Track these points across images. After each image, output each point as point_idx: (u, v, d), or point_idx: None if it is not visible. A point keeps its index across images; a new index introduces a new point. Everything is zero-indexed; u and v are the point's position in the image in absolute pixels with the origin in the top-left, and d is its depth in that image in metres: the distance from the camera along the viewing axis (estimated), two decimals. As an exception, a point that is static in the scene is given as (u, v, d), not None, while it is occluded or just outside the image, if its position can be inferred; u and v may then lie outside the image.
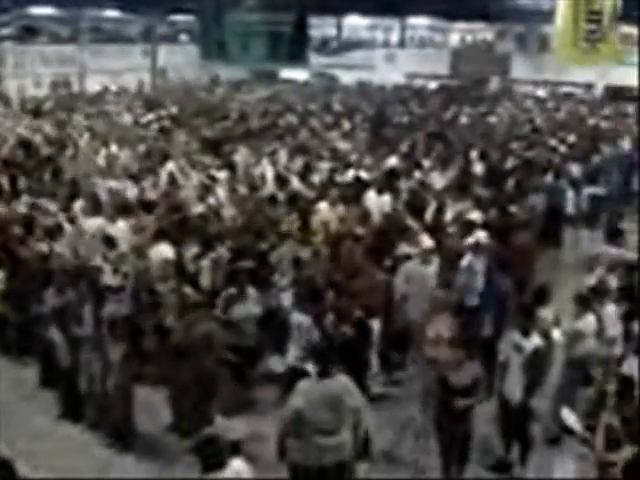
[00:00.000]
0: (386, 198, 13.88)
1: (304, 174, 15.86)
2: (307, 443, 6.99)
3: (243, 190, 14.56)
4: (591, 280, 10.35)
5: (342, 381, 7.14)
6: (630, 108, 33.47)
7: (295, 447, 7.06)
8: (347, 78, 43.69)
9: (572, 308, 9.40)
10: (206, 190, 14.27)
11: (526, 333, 8.34)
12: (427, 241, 10.99)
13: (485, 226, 12.30)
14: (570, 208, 16.35)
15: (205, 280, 10.54)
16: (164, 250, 11.09)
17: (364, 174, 15.88)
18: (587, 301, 9.29)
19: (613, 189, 18.10)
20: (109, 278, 10.44)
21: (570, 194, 16.38)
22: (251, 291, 9.79)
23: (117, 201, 13.71)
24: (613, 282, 10.31)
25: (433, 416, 8.21)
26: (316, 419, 6.93)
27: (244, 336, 9.43)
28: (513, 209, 13.60)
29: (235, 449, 7.32)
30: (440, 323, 8.96)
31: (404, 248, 11.11)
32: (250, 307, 9.66)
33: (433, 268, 10.76)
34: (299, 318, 9.24)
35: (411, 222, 12.22)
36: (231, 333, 9.23)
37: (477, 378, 7.92)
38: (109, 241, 11.28)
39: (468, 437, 8.03)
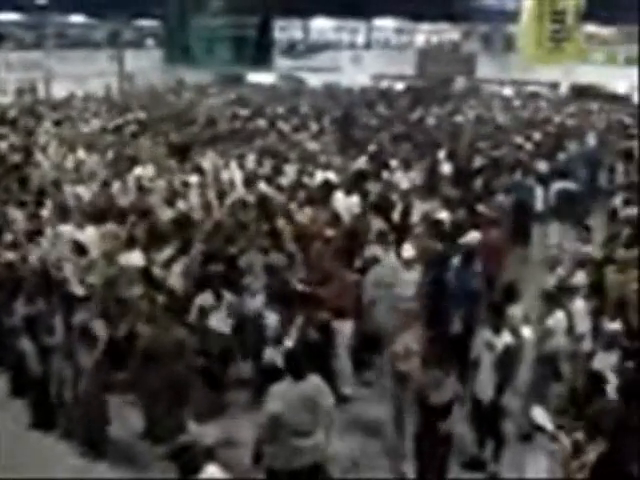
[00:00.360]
0: (354, 200, 13.92)
1: (272, 177, 15.86)
2: (284, 446, 6.99)
3: (212, 194, 14.52)
4: (557, 277, 10.45)
5: (315, 382, 7.17)
6: (595, 106, 33.77)
7: (272, 451, 7.05)
8: (314, 80, 43.74)
9: (541, 305, 9.51)
10: (175, 195, 14.23)
11: (497, 331, 8.41)
12: (408, 250, 10.84)
13: (453, 226, 12.38)
14: (539, 205, 16.48)
15: (176, 285, 10.50)
16: (134, 257, 11.05)
17: (332, 176, 15.91)
18: (555, 298, 9.38)
19: (580, 185, 18.26)
20: (77, 287, 10.37)
21: (539, 191, 16.50)
22: (227, 296, 9.78)
23: (86, 208, 13.61)
24: (581, 278, 10.40)
25: (413, 438, 8.11)
26: (294, 422, 6.94)
27: (217, 341, 9.41)
28: (481, 208, 13.67)
29: (209, 455, 7.32)
30: (409, 336, 8.58)
31: (373, 250, 11.13)
32: (225, 313, 9.65)
33: (414, 275, 10.62)
34: (273, 319, 9.27)
35: (378, 223, 12.26)
36: (204, 339, 9.21)
37: (457, 394, 7.89)
38: (78, 248, 11.20)
39: (448, 454, 7.98)
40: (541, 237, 15.65)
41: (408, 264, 10.55)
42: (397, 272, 10.52)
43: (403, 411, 8.51)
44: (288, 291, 9.92)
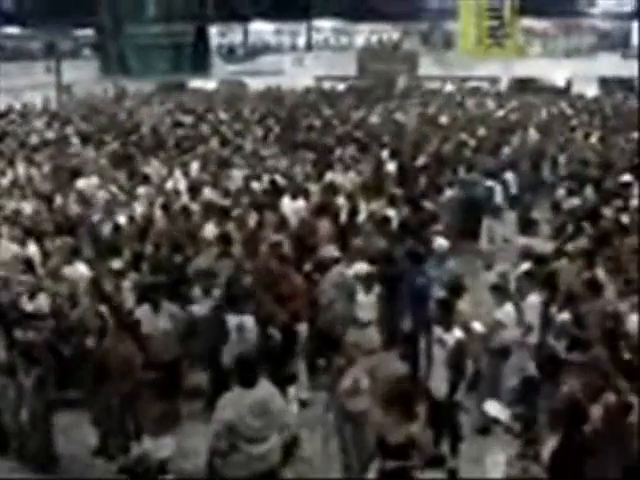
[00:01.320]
0: (301, 203, 13.88)
1: (217, 183, 15.76)
2: (237, 454, 6.92)
3: (157, 204, 14.36)
4: (497, 272, 10.53)
5: (266, 387, 7.13)
6: (535, 99, 34.20)
7: (226, 459, 6.96)
8: (256, 84, 43.58)
9: (490, 298, 9.56)
10: (119, 206, 14.06)
11: (447, 327, 8.43)
12: (362, 268, 10.42)
13: (400, 224, 12.43)
14: (498, 199, 16.70)
15: (126, 298, 10.33)
16: (80, 270, 10.87)
17: (279, 179, 15.87)
18: (504, 291, 9.44)
19: (524, 179, 18.45)
20: (27, 304, 10.17)
21: (497, 187, 16.70)
22: (165, 306, 9.64)
23: (26, 223, 13.35)
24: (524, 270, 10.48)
25: None
26: (246, 428, 6.87)
27: (163, 352, 9.27)
28: (426, 205, 13.74)
29: (163, 467, 7.24)
30: (358, 371, 7.84)
31: (331, 251, 11.08)
32: (164, 322, 9.50)
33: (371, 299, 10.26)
34: (235, 320, 9.23)
35: (324, 225, 12.24)
36: (150, 350, 9.07)
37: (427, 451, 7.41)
38: (24, 265, 10.97)
39: None
40: (490, 231, 15.80)
41: (363, 282, 10.19)
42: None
43: (349, 452, 8.07)
44: (239, 296, 9.83)
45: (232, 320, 9.30)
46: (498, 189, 16.66)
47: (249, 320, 9.22)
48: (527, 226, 12.86)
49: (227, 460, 6.95)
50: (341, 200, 13.97)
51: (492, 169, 17.80)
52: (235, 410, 6.90)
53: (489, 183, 16.70)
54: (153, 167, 18.11)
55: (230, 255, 11.06)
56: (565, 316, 9.06)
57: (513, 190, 17.46)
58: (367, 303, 10.09)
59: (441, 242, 11.06)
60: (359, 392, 7.68)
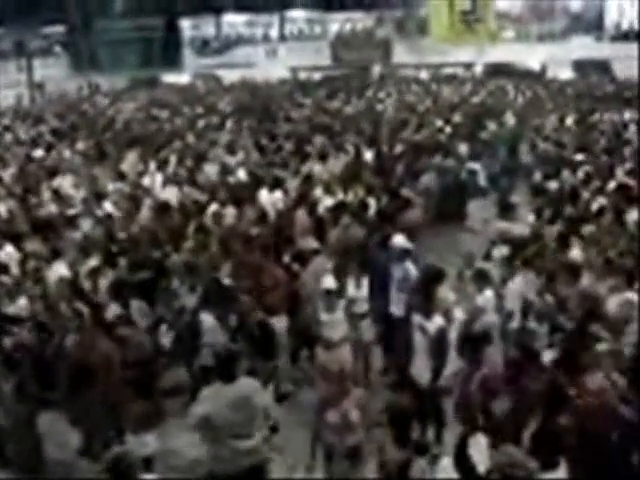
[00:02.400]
0: (278, 195, 13.83)
1: (194, 177, 15.68)
2: (222, 449, 6.90)
3: (134, 200, 14.28)
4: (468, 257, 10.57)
5: (249, 383, 7.14)
6: (510, 84, 34.27)
7: (210, 454, 6.93)
8: (230, 77, 43.41)
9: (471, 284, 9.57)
10: (97, 203, 13.96)
11: (428, 315, 8.42)
12: (329, 282, 9.61)
13: (378, 213, 12.42)
14: (482, 181, 16.78)
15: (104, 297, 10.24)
16: (59, 270, 10.78)
17: (255, 172, 15.82)
18: (486, 277, 9.45)
19: (502, 163, 18.53)
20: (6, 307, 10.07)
21: (480, 169, 16.78)
22: (135, 303, 9.57)
23: (1, 225, 13.22)
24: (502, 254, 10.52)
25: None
26: (226, 423, 6.86)
27: (139, 349, 9.20)
28: (404, 192, 13.74)
29: (147, 465, 7.18)
30: (349, 404, 7.37)
31: (310, 243, 11.04)
32: (136, 319, 9.43)
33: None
34: (207, 320, 9.18)
35: (302, 218, 12.22)
36: (127, 348, 9.01)
37: None
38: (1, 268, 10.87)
39: None
40: (472, 215, 15.91)
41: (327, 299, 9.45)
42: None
43: None
44: (219, 291, 9.78)
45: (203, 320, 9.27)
46: (481, 171, 16.80)
47: (214, 322, 9.17)
48: (506, 210, 12.88)
49: (211, 455, 6.91)
50: (319, 191, 13.93)
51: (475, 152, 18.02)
52: (211, 404, 6.90)
53: (473, 166, 16.82)
54: (128, 163, 17.97)
55: (206, 248, 11.00)
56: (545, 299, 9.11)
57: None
58: (334, 321, 9.28)
59: (399, 240, 10.39)
60: (350, 427, 7.22)
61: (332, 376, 7.93)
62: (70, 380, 8.75)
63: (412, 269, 10.09)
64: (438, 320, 8.43)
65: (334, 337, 8.91)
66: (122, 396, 8.44)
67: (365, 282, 10.12)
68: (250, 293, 9.94)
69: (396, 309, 10.05)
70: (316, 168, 15.92)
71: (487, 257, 10.84)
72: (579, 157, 16.45)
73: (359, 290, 10.03)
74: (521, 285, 9.60)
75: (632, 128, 20.39)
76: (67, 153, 20.30)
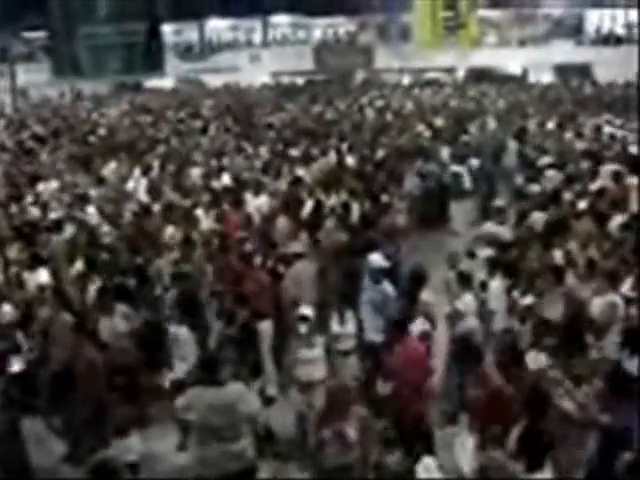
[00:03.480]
0: (262, 199, 13.84)
1: (177, 182, 15.67)
2: (208, 452, 6.90)
3: (116, 205, 14.26)
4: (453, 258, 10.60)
5: (235, 389, 7.11)
6: (491, 89, 34.39)
7: (197, 458, 6.97)
8: (214, 82, 43.38)
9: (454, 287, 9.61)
10: (80, 209, 13.92)
11: (411, 319, 8.43)
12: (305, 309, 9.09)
13: (360, 217, 12.45)
14: (467, 184, 16.84)
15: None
16: (41, 276, 10.74)
17: (239, 176, 15.83)
18: (469, 280, 9.49)
19: (485, 167, 18.59)
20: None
21: (465, 172, 16.85)
22: (119, 307, 9.54)
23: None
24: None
25: None
26: (210, 426, 6.84)
27: (122, 354, 9.19)
28: (387, 197, 13.78)
29: (133, 470, 7.17)
30: (345, 422, 6.92)
31: (294, 247, 11.03)
32: (117, 323, 9.40)
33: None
34: (177, 330, 9.12)
35: (287, 221, 12.23)
36: (111, 352, 8.99)
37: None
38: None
39: None
40: (456, 218, 15.99)
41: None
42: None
43: None
44: (198, 297, 9.79)
45: (172, 330, 9.23)
46: (466, 174, 16.89)
47: (185, 333, 9.13)
48: (490, 213, 12.93)
49: (199, 458, 6.95)
50: (305, 195, 13.96)
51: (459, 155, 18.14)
52: (194, 409, 6.91)
53: (457, 168, 16.89)
54: (112, 168, 17.93)
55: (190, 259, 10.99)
56: (529, 300, 9.15)
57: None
58: (312, 359, 8.62)
59: (375, 259, 9.77)
60: (346, 445, 6.89)
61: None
62: (54, 386, 8.74)
63: (390, 291, 9.57)
64: (422, 324, 8.44)
65: (312, 377, 8.27)
66: (106, 401, 8.42)
67: (350, 315, 9.48)
68: (234, 297, 9.92)
69: (375, 336, 9.45)
70: (300, 172, 15.92)
71: (471, 256, 10.84)
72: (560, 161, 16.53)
73: (343, 325, 9.36)
74: (502, 286, 9.67)
75: (609, 130, 20.60)
76: (50, 159, 20.21)
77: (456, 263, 10.38)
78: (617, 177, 13.83)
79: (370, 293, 9.59)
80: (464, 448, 7.14)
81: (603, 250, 10.45)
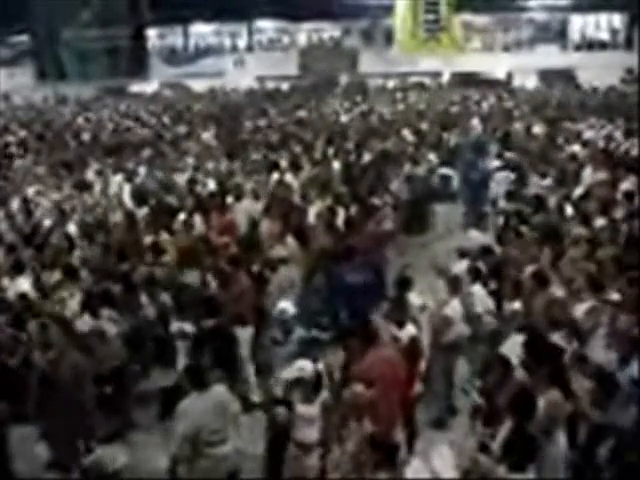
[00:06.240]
0: (248, 203, 13.80)
1: (163, 187, 15.62)
2: (204, 459, 6.91)
3: (100, 211, 14.19)
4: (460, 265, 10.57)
5: (221, 390, 7.17)
6: (476, 93, 34.49)
7: (192, 465, 6.93)
8: (198, 86, 43.30)
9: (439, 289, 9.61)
10: (62, 215, 13.84)
11: (400, 325, 8.39)
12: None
13: (347, 222, 12.43)
14: (454, 186, 16.89)
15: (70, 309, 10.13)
16: (21, 283, 10.66)
17: (224, 181, 15.79)
18: (457, 284, 9.46)
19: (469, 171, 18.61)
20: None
21: (454, 175, 16.90)
22: (105, 312, 9.48)
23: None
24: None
25: None
26: (209, 432, 6.88)
27: (109, 359, 9.14)
28: (373, 201, 13.77)
29: (117, 477, 7.11)
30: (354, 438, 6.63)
31: (279, 251, 11.00)
32: (103, 325, 9.33)
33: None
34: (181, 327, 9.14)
35: (274, 225, 12.19)
36: (93, 357, 8.92)
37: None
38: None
39: None
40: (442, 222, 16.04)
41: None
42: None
43: None
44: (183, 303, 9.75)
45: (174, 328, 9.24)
46: (454, 177, 16.96)
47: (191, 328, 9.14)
48: (479, 219, 12.95)
49: (193, 466, 6.91)
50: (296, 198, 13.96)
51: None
52: (195, 418, 6.87)
53: (445, 171, 16.94)
54: (95, 173, 17.85)
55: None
56: (516, 305, 9.15)
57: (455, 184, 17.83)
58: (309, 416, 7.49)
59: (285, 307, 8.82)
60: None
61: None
62: (38, 392, 8.66)
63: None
64: (410, 329, 8.41)
65: (309, 438, 7.37)
66: (91, 407, 8.37)
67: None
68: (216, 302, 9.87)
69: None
70: (286, 177, 15.89)
71: (463, 255, 10.82)
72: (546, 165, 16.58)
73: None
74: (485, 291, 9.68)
75: (591, 134, 20.71)
76: (33, 163, 20.12)
77: (443, 268, 10.34)
78: (602, 181, 13.88)
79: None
80: (441, 455, 7.08)
81: (589, 253, 10.43)
